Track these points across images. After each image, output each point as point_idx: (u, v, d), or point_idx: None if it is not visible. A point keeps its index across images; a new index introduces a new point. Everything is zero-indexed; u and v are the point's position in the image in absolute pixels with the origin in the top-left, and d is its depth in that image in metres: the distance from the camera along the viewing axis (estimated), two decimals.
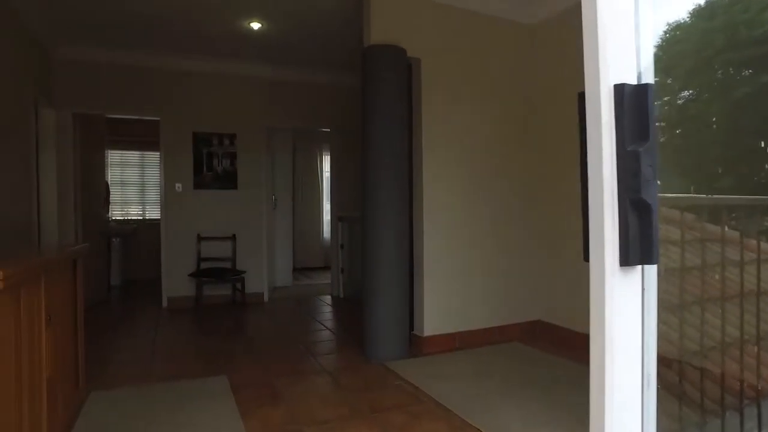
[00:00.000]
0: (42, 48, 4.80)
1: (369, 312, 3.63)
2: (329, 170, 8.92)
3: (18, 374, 1.70)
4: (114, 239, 7.10)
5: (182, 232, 5.56)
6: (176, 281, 5.54)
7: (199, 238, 5.55)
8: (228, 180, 5.71)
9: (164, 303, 5.52)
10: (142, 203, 8.02)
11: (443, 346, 3.85)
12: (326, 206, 9.16)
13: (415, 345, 3.82)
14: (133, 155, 7.98)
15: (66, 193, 5.17)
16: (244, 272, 5.46)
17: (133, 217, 7.97)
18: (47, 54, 4.91)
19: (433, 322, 3.85)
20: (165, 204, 5.51)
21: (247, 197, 5.81)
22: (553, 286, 4.12)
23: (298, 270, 8.30)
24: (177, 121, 5.54)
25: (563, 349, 3.72)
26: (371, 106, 3.63)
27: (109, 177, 7.77)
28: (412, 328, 3.88)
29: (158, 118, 5.51)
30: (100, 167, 6.15)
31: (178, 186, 5.53)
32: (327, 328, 4.62)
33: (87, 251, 2.80)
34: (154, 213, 8.04)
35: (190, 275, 5.29)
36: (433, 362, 3.52)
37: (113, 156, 7.86)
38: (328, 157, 9.11)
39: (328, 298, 6.15)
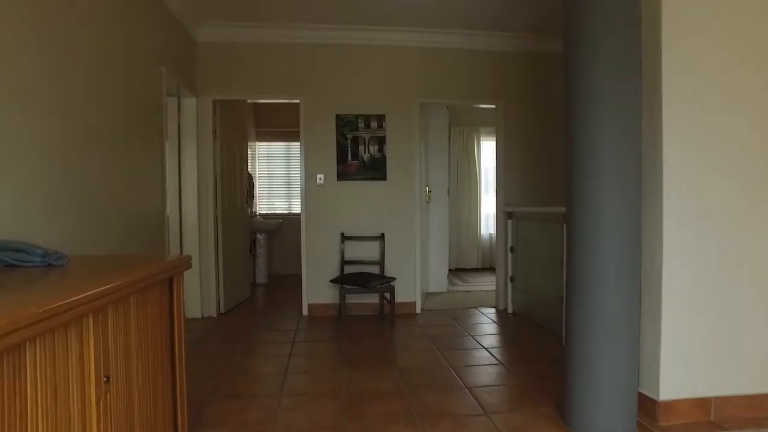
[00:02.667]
0: (184, 30, 4.34)
1: (575, 355, 2.44)
2: (493, 155, 7.70)
3: None
4: (259, 235, 6.72)
5: (324, 231, 4.83)
6: (317, 286, 4.84)
7: (343, 238, 4.78)
8: (376, 169, 4.85)
9: (304, 310, 4.85)
10: (288, 197, 7.61)
11: (689, 417, 2.51)
12: (483, 198, 8.00)
13: (643, 411, 2.53)
14: (278, 147, 7.60)
15: (206, 187, 4.71)
16: (394, 279, 4.55)
17: (279, 212, 7.60)
18: (189, 36, 4.46)
19: (674, 377, 2.51)
20: (305, 199, 4.83)
21: (397, 189, 4.90)
22: None
23: (452, 272, 7.27)
24: (318, 102, 4.81)
25: None
26: (586, 51, 2.40)
27: (257, 170, 7.47)
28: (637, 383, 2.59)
29: (298, 101, 4.83)
30: (243, 159, 5.70)
31: (320, 178, 4.81)
32: (498, 360, 3.50)
33: (188, 264, 2.03)
34: (298, 207, 7.59)
35: (332, 281, 4.53)
36: None
37: (260, 148, 7.55)
38: (486, 139, 7.97)
39: (491, 312, 5.02)
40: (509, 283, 4.98)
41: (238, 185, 5.43)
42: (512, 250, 4.93)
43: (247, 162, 5.81)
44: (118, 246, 2.92)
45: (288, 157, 7.58)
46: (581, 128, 2.40)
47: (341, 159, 4.80)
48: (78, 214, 2.45)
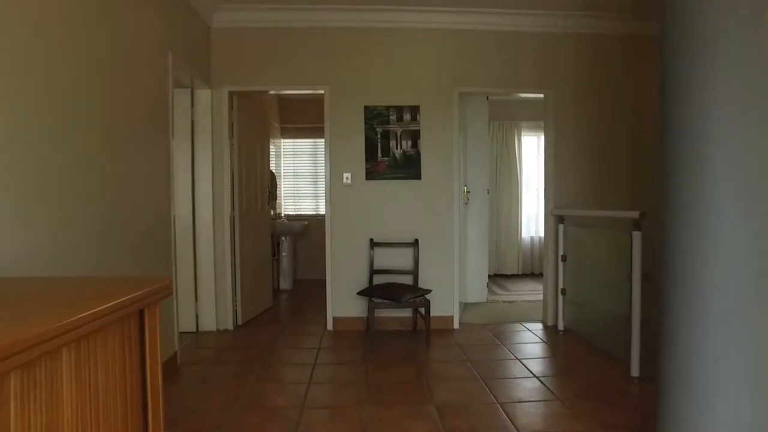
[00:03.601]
0: (196, 14, 3.92)
1: (680, 418, 1.87)
2: (536, 152, 7.16)
3: None
4: (283, 238, 6.29)
5: (351, 236, 4.34)
6: (343, 298, 4.36)
7: (372, 244, 4.27)
8: (409, 167, 4.32)
9: (329, 324, 4.38)
10: (315, 197, 7.16)
11: None
12: (524, 198, 7.37)
13: None
14: (304, 144, 7.15)
15: (221, 187, 4.29)
16: (429, 291, 4.02)
17: (305, 213, 7.16)
18: (202, 21, 4.03)
19: None
20: (331, 201, 4.35)
21: (433, 190, 4.36)
22: None
23: (490, 278, 6.68)
24: (345, 92, 4.32)
25: None
26: (707, 39, 1.82)
27: (282, 169, 7.05)
28: None
29: (322, 91, 4.34)
30: (265, 157, 5.26)
31: (346, 177, 4.32)
32: (554, 395, 2.93)
33: (167, 291, 1.56)
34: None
35: (360, 293, 4.03)
36: None
37: (285, 145, 7.12)
38: (528, 134, 7.34)
39: (538, 328, 4.43)
40: (560, 296, 4.38)
41: (259, 185, 4.99)
42: (564, 259, 4.33)
43: (269, 160, 5.37)
44: (115, 255, 2.49)
45: (315, 154, 7.13)
46: (698, 134, 1.81)
47: (370, 156, 4.30)
48: (56, 216, 2.02)
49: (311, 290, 6.22)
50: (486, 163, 5.64)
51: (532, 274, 7.38)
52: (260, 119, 5.10)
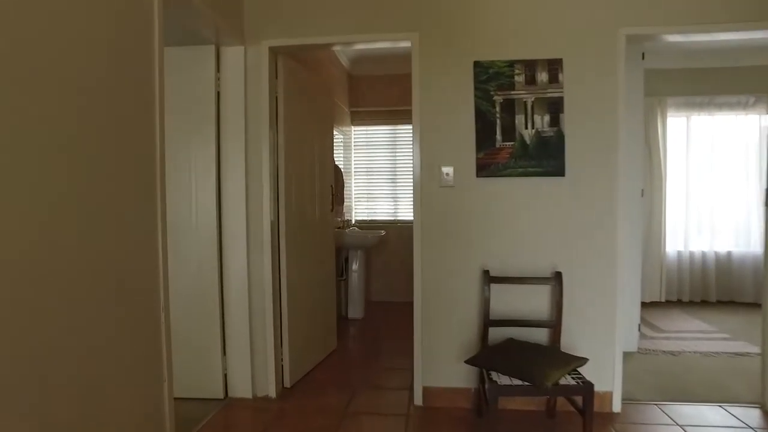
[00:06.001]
0: None
1: None
2: (685, 135, 5.11)
3: None
4: (352, 252, 4.88)
5: (453, 264, 2.82)
6: (440, 359, 2.85)
7: (488, 278, 2.72)
8: (545, 156, 2.73)
9: (417, 396, 2.88)
10: (394, 198, 5.70)
11: None
12: (669, 200, 5.51)
13: None
14: (380, 132, 5.70)
15: (258, 188, 2.94)
16: (584, 362, 2.41)
17: (381, 218, 5.72)
18: None
19: None
20: (420, 208, 2.84)
21: (584, 192, 2.74)
22: None
23: None
24: (443, 42, 2.80)
25: None
26: None
27: (352, 164, 5.66)
28: None
29: (408, 42, 2.84)
30: (327, 147, 3.85)
31: (446, 173, 2.80)
32: None
33: None
34: (407, 212, 5.67)
35: (468, 362, 2.49)
36: None
37: (357, 134, 5.71)
38: (675, 114, 5.47)
39: (754, 418, 2.70)
40: None
41: (318, 184, 3.59)
42: None
43: (332, 152, 3.97)
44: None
45: (393, 144, 5.67)
46: None
47: (484, 140, 2.75)
48: None
49: (389, 318, 4.79)
50: (639, 152, 3.92)
51: (679, 302, 5.52)
52: (320, 93, 3.69)
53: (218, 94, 2.87)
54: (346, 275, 4.88)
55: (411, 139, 5.61)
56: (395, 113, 5.53)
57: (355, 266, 4.88)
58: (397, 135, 5.63)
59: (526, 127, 2.72)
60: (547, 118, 2.71)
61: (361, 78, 5.62)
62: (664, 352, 3.83)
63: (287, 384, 3.09)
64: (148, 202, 1.89)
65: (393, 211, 5.69)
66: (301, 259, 3.24)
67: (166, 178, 2.00)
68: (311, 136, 3.48)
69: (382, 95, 5.58)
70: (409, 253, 5.48)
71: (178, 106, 2.82)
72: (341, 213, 5.02)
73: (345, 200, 5.20)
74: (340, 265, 4.81)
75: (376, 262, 5.60)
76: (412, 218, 5.62)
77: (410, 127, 5.54)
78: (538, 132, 2.71)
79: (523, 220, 2.76)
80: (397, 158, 5.64)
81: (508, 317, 2.76)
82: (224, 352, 2.93)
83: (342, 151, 5.29)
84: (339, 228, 4.80)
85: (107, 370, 1.63)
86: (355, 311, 4.87)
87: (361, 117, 5.64)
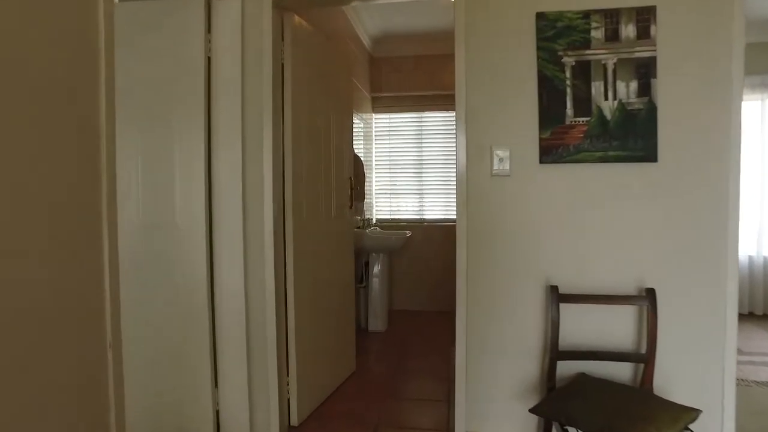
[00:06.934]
0: None
1: None
2: (760, 121, 4.46)
3: None
4: (373, 255, 4.27)
5: (507, 276, 2.19)
6: (488, 395, 2.22)
7: (556, 295, 2.07)
8: (631, 137, 2.06)
9: None
10: (420, 194, 5.07)
11: None
12: (742, 191, 4.78)
13: None
14: (406, 120, 5.08)
15: (258, 176, 2.34)
16: (697, 414, 1.75)
17: (406, 217, 5.10)
18: None
19: None
20: (465, 204, 2.21)
21: (684, 184, 2.08)
22: None
23: None
24: None
25: None
26: None
27: (373, 155, 5.06)
28: None
29: None
30: (346, 134, 3.24)
31: (500, 157, 2.16)
32: None
33: None
34: (433, 210, 5.04)
35: (534, 411, 1.85)
36: None
37: (378, 122, 5.10)
38: (750, 97, 4.74)
39: None
40: None
41: (333, 178, 2.98)
42: None
43: (352, 136, 3.36)
44: None
45: (419, 134, 5.04)
46: None
47: (549, 115, 2.11)
48: None
49: (415, 331, 4.18)
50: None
51: (751, 314, 4.79)
52: (338, 71, 3.08)
53: (209, 60, 2.29)
54: (367, 282, 4.27)
55: (439, 127, 5.00)
56: (422, 99, 4.91)
57: (376, 271, 4.27)
58: (424, 123, 5.00)
59: (606, 98, 2.07)
60: (634, 85, 2.05)
61: (383, 60, 5.01)
62: (758, 383, 3.14)
63: (294, 422, 2.49)
64: (88, 198, 1.29)
65: (419, 209, 5.06)
66: (312, 265, 2.64)
67: (129, 171, 1.40)
68: (326, 114, 2.88)
69: (407, 79, 4.97)
70: (436, 256, 4.87)
71: (156, 75, 2.25)
72: (361, 211, 4.42)
73: (365, 197, 4.59)
74: (359, 271, 4.21)
75: (399, 266, 4.98)
76: (439, 217, 5.01)
77: (439, 114, 4.93)
78: (621, 104, 2.06)
79: (600, 219, 2.11)
80: (424, 149, 5.01)
81: (581, 347, 2.11)
82: (216, 384, 2.35)
83: (362, 142, 4.68)
84: (358, 228, 4.20)
85: None
86: (377, 323, 4.26)
87: (384, 103, 5.02)
